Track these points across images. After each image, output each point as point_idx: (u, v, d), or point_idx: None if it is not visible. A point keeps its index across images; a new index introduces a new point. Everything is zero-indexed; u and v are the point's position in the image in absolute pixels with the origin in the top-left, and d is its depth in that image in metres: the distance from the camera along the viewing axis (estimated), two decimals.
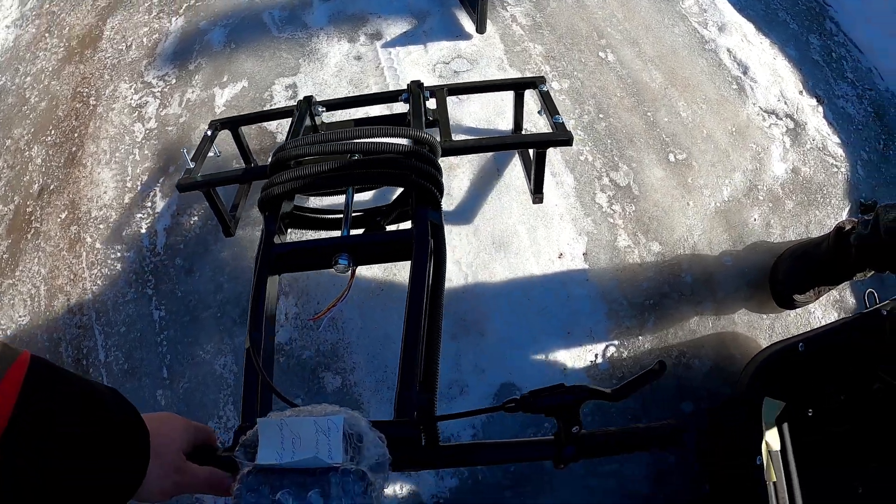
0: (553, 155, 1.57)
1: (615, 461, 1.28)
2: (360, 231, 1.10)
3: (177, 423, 0.54)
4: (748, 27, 1.81)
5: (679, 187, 1.56)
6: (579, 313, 1.40)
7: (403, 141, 1.00)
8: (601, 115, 1.62)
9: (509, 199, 1.53)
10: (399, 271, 1.46)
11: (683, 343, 1.40)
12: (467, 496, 1.28)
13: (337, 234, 0.93)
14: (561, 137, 1.18)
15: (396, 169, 0.91)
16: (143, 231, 1.61)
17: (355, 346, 1.40)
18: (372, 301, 1.44)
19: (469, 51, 1.78)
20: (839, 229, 1.28)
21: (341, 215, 0.98)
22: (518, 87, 1.37)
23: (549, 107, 1.26)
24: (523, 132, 1.51)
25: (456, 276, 1.44)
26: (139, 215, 1.64)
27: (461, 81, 1.66)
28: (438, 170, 0.95)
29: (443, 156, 1.08)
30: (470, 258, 1.46)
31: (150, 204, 1.65)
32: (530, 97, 1.43)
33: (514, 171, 1.56)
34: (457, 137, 1.19)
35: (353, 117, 1.46)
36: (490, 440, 0.87)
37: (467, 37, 1.81)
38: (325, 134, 0.98)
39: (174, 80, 1.86)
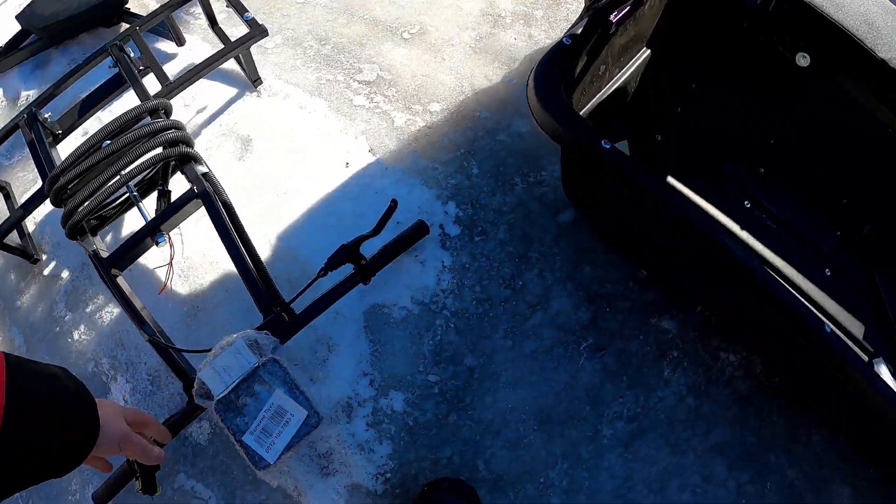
0: (294, 92, 1.46)
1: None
2: (152, 206, 1.18)
3: (112, 403, 0.63)
4: None
5: (427, 52, 1.51)
6: (397, 197, 1.25)
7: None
8: (323, 42, 1.57)
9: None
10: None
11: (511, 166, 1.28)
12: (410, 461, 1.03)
13: (141, 221, 1.08)
14: (256, 32, 1.29)
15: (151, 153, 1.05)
16: None
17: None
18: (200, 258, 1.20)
19: None
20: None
21: (126, 194, 1.15)
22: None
23: (237, 7, 1.32)
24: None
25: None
26: None
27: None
28: (181, 127, 1.10)
29: (168, 98, 1.21)
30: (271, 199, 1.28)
31: None
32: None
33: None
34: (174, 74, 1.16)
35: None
36: (320, 295, 1.02)
37: None
38: (79, 148, 1.03)
39: None
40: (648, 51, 1.22)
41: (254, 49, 1.40)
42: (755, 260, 1.09)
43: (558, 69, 0.95)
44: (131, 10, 1.74)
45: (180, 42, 1.58)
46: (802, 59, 1.08)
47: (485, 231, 1.22)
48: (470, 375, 1.10)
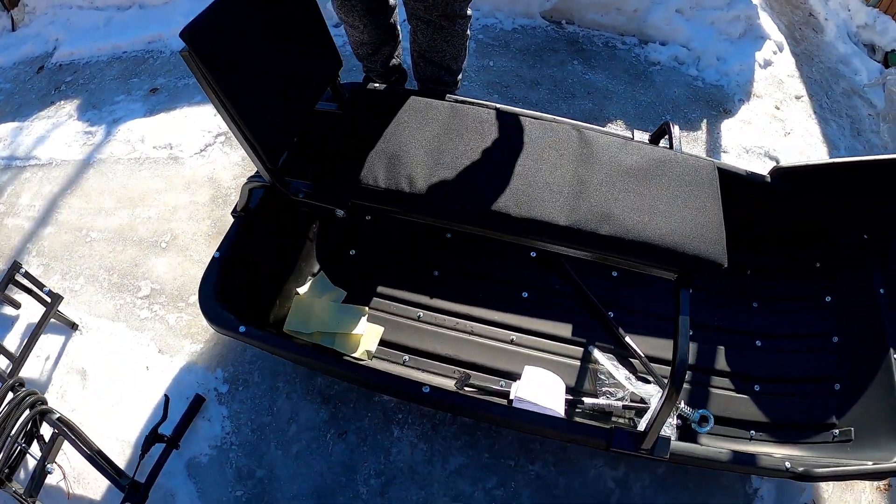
0: (101, 323, 2.04)
1: None
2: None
3: None
4: None
5: (180, 254, 2.09)
6: (180, 379, 1.84)
7: None
8: (111, 272, 2.14)
9: None
10: None
11: None
12: None
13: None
14: (56, 301, 1.70)
15: None
16: None
17: None
18: None
19: None
20: None
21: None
22: None
23: (36, 285, 1.76)
24: None
25: None
26: None
27: None
28: (35, 392, 1.62)
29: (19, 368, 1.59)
30: None
31: None
32: None
33: None
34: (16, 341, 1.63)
35: None
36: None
37: None
38: None
39: None
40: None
41: (66, 292, 1.98)
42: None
43: (214, 281, 1.53)
44: None
45: (17, 307, 2.15)
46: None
47: (245, 380, 1.83)
48: (262, 482, 1.71)
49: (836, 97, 2.77)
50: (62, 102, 2.68)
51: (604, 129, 1.68)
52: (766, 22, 2.87)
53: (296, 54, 1.41)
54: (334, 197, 1.37)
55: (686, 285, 1.30)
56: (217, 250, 1.56)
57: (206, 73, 1.15)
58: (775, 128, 2.56)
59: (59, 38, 2.90)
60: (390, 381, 1.43)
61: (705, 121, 2.50)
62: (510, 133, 1.46)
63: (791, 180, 1.71)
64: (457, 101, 1.65)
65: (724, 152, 2.43)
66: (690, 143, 2.42)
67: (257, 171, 1.43)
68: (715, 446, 1.52)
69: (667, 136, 1.61)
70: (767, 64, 2.76)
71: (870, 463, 1.33)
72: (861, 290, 1.76)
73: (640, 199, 1.39)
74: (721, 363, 1.78)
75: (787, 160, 2.45)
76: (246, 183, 1.53)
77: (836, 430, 1.60)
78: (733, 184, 1.70)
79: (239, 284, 1.63)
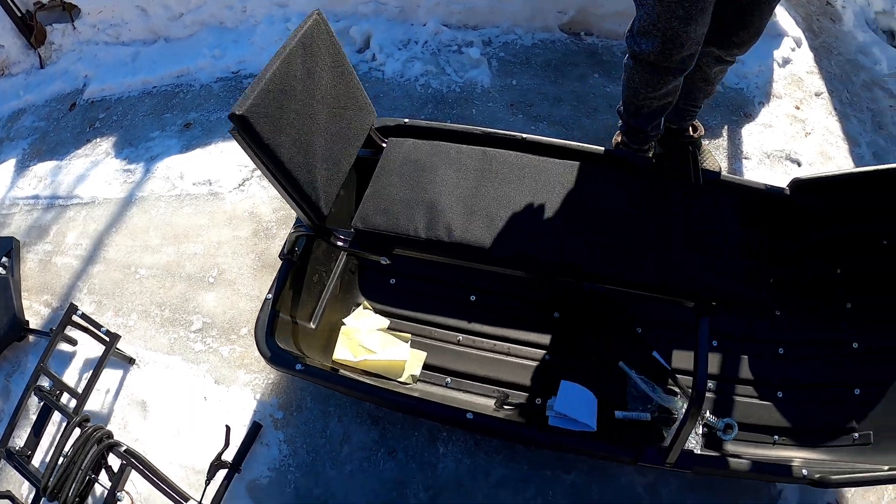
0: (158, 357, 2.28)
1: None
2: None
3: None
4: None
5: (227, 288, 2.31)
6: (236, 407, 2.07)
7: None
8: (162, 307, 2.38)
9: None
10: None
11: None
12: None
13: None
14: (114, 340, 1.95)
15: None
16: None
17: None
18: None
19: None
20: None
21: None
22: None
23: (93, 325, 2.00)
24: None
25: None
26: None
27: None
28: (101, 427, 1.86)
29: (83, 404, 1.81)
30: None
31: None
32: None
33: None
34: (75, 375, 1.88)
35: None
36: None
37: None
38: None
39: None
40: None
41: (120, 328, 2.22)
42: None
43: (268, 321, 1.74)
44: (30, 326, 2.56)
45: (74, 343, 2.40)
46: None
47: (299, 406, 2.05)
48: (319, 500, 1.94)
49: (856, 91, 2.89)
50: (98, 140, 2.92)
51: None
52: (783, 17, 2.99)
53: (335, 112, 1.60)
54: (377, 247, 1.57)
55: (705, 313, 1.48)
56: (269, 292, 1.78)
57: (254, 149, 1.36)
58: (796, 129, 2.70)
59: (89, 75, 3.13)
60: (434, 408, 1.64)
61: (726, 127, 2.65)
62: (541, 176, 1.65)
63: (814, 191, 1.84)
64: (485, 134, 1.85)
65: (746, 158, 2.58)
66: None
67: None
68: (739, 452, 1.70)
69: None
70: (786, 62, 2.89)
71: (886, 468, 1.49)
72: (881, 297, 1.88)
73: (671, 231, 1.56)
74: (745, 372, 1.93)
75: (808, 164, 2.59)
76: (292, 231, 1.74)
77: (857, 434, 1.73)
78: (754, 199, 1.85)
79: (291, 322, 1.85)
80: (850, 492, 1.83)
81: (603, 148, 1.94)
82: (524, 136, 1.93)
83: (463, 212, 1.56)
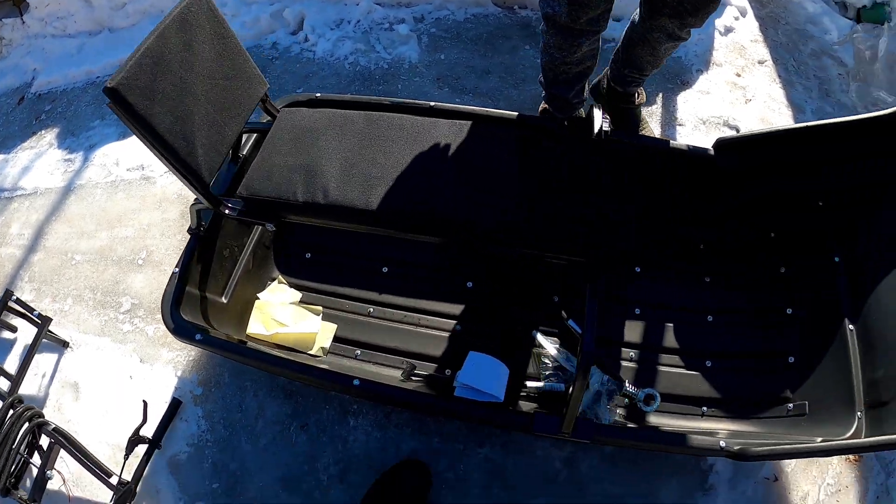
0: (90, 339, 2.32)
1: None
2: None
3: None
4: None
5: (155, 269, 2.34)
6: (160, 383, 2.09)
7: None
8: (94, 291, 2.41)
9: None
10: None
11: None
12: None
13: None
14: (47, 323, 1.99)
15: None
16: None
17: None
18: None
19: None
20: None
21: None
22: None
23: (27, 309, 2.04)
24: None
25: None
26: None
27: None
28: (32, 407, 1.85)
29: (17, 387, 1.85)
30: None
31: None
32: None
33: None
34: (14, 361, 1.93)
35: None
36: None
37: None
38: None
39: None
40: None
41: (56, 313, 2.26)
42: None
43: (174, 294, 1.76)
44: None
45: (14, 331, 2.44)
46: None
47: (217, 381, 2.07)
48: (235, 475, 1.96)
49: (803, 59, 2.85)
50: (43, 132, 2.97)
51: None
52: None
53: (218, 83, 1.61)
54: (264, 213, 1.58)
55: (591, 270, 1.47)
56: (176, 266, 1.80)
57: (130, 120, 1.37)
58: (735, 96, 2.67)
59: (37, 68, 3.18)
60: (319, 374, 1.64)
61: (661, 94, 2.63)
62: (425, 137, 1.65)
63: (737, 151, 1.75)
64: (393, 104, 1.85)
65: (680, 125, 2.55)
66: (647, 118, 2.55)
67: None
68: (662, 424, 1.65)
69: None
70: (728, 31, 2.85)
71: (819, 439, 1.37)
72: (816, 259, 1.80)
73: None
74: (670, 340, 1.86)
75: (748, 130, 2.55)
76: (192, 205, 1.76)
77: (791, 405, 1.66)
78: (679, 161, 1.81)
79: (201, 296, 1.87)
80: (789, 466, 1.77)
81: (516, 113, 1.93)
82: (432, 104, 1.93)
83: (340, 173, 1.57)
